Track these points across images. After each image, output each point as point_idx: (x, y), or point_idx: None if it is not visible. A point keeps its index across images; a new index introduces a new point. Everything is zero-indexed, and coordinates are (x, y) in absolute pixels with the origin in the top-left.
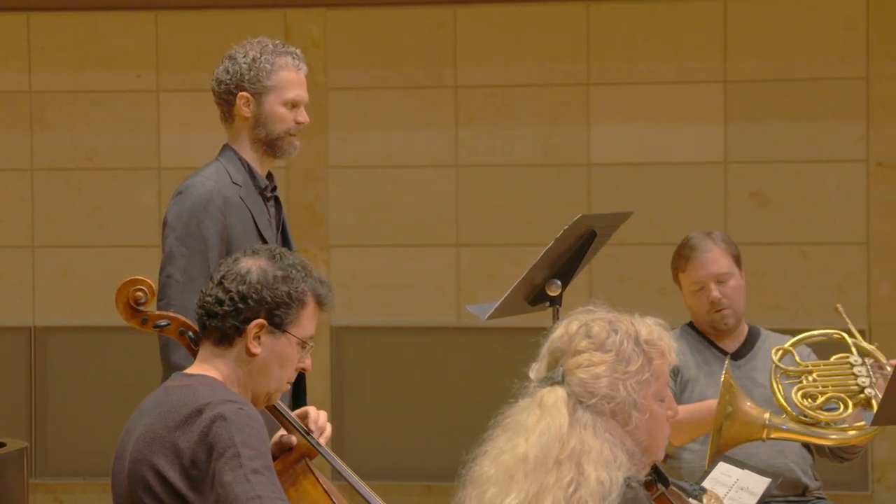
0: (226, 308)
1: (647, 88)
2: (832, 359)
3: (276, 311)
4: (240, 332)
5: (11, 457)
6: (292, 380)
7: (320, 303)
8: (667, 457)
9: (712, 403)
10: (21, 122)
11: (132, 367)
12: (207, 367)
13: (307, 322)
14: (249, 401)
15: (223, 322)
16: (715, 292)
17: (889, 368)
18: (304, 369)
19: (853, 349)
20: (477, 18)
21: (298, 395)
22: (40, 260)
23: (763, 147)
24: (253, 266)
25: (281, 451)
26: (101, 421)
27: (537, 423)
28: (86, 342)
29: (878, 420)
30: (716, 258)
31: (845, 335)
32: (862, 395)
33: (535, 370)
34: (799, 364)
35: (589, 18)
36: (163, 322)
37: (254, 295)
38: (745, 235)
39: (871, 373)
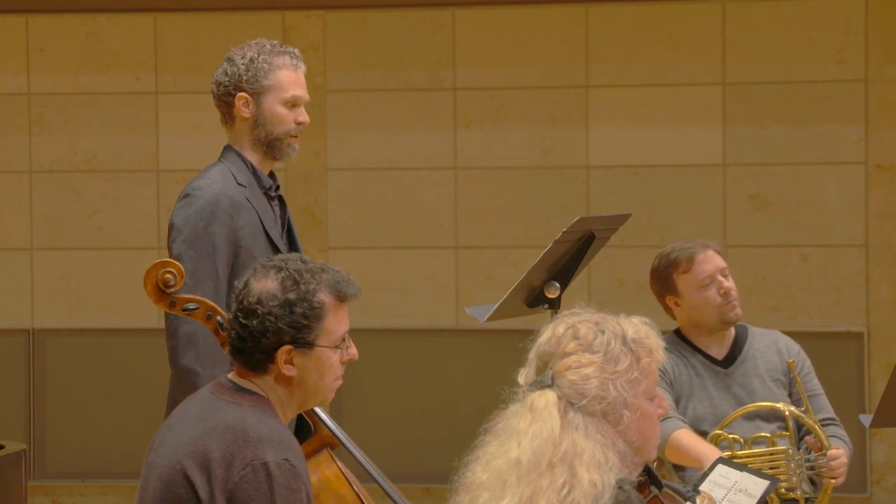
0: (248, 344)
1: (645, 91)
2: (774, 443)
3: (298, 334)
4: (270, 359)
5: (10, 459)
6: (341, 377)
7: (341, 298)
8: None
9: (704, 452)
10: (20, 125)
11: (130, 369)
12: (252, 385)
13: (334, 326)
14: (296, 410)
15: (251, 355)
16: (726, 282)
17: (825, 459)
18: (351, 359)
19: (792, 436)
20: (476, 21)
21: None
22: (39, 262)
23: (762, 149)
24: (262, 293)
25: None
26: (100, 423)
27: (529, 427)
28: (84, 344)
29: (876, 422)
30: (715, 255)
31: (787, 413)
32: (790, 495)
33: (524, 375)
34: (735, 455)
35: (588, 21)
36: (192, 305)
37: (271, 327)
38: (744, 238)
39: (802, 467)
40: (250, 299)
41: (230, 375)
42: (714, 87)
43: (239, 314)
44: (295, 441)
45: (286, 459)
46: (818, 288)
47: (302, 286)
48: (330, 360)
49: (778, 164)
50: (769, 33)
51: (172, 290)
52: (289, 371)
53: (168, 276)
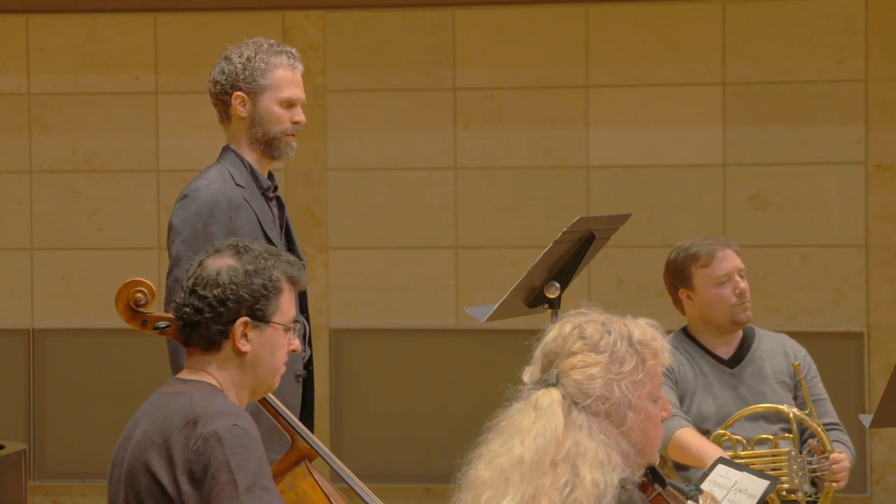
0: (206, 315)
1: (645, 91)
2: (777, 444)
3: (256, 305)
4: (226, 334)
5: (10, 459)
6: (285, 362)
7: (294, 283)
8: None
9: (706, 452)
10: (20, 125)
11: (130, 369)
12: (202, 373)
13: (287, 307)
14: (249, 397)
15: (208, 329)
16: (742, 283)
17: (827, 462)
18: (294, 351)
19: (795, 438)
20: (476, 21)
21: (306, 404)
22: (39, 262)
23: (762, 149)
24: (221, 266)
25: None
26: (100, 423)
27: (532, 426)
28: (84, 344)
29: (876, 422)
30: (734, 255)
31: (791, 415)
32: (791, 497)
33: (529, 373)
34: (738, 455)
35: (588, 21)
36: (162, 324)
37: (231, 296)
38: (744, 238)
39: (804, 469)
40: (209, 272)
41: (177, 374)
42: (714, 87)
43: (196, 288)
44: (246, 414)
45: (235, 425)
46: (818, 288)
47: (260, 261)
48: (281, 340)
49: (778, 164)
50: (769, 33)
51: (143, 308)
52: (244, 346)
53: (139, 295)
